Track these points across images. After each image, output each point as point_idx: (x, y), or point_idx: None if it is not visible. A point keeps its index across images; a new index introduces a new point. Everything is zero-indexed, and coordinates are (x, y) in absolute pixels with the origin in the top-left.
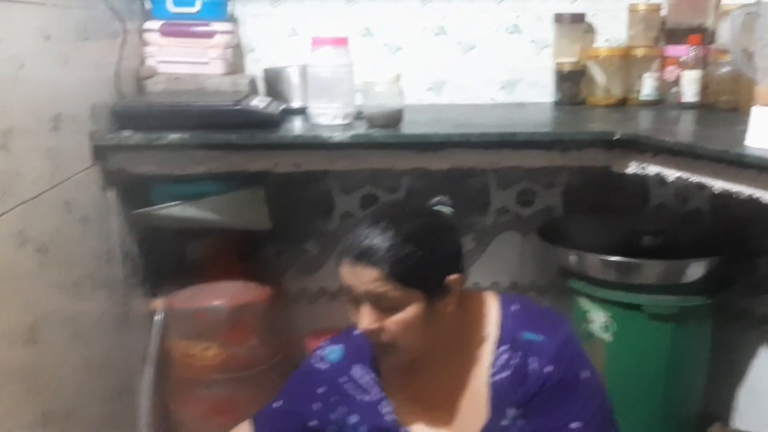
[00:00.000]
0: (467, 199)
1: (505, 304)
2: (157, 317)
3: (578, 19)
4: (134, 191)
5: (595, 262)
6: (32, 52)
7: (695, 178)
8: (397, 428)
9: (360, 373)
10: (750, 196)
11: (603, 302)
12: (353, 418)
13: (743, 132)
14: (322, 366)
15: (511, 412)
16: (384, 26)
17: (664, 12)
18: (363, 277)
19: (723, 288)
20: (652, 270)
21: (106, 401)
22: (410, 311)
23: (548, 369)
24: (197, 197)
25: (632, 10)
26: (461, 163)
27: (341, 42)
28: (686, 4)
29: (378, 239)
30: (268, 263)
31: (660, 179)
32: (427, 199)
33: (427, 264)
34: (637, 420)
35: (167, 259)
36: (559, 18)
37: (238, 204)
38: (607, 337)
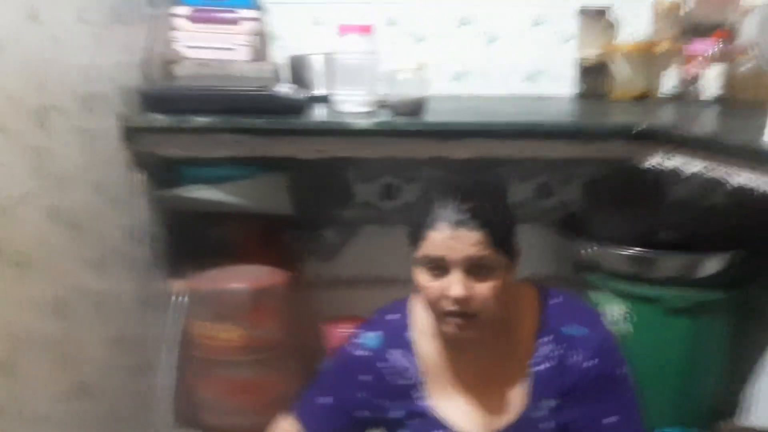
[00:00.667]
0: None
1: (545, 296)
2: (179, 298)
3: (603, 12)
4: (160, 173)
5: (613, 255)
6: (68, 33)
7: (717, 171)
8: (432, 413)
9: (398, 357)
10: None
11: (620, 295)
12: (389, 404)
13: (765, 126)
14: (362, 353)
15: (549, 403)
16: (408, 16)
17: (688, 8)
18: (466, 241)
19: (741, 283)
20: (670, 263)
21: (129, 377)
22: (499, 279)
23: (588, 363)
24: (221, 180)
25: (657, 4)
26: (484, 153)
27: (367, 30)
28: (711, 0)
29: (478, 203)
30: (288, 249)
31: (680, 173)
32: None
33: (513, 230)
34: (650, 413)
35: (190, 241)
36: (584, 11)
37: (261, 188)
38: (623, 330)
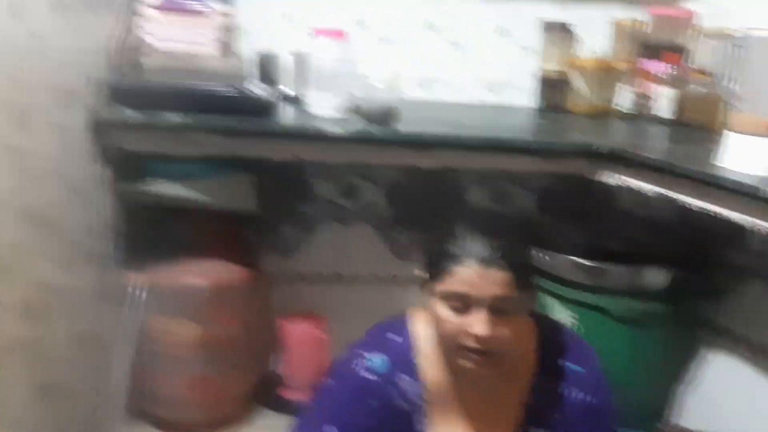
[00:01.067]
0: (444, 195)
1: (544, 328)
2: (139, 293)
3: (565, 28)
4: (125, 167)
5: (565, 264)
6: (44, 24)
7: (670, 194)
8: None
9: (406, 382)
10: (718, 214)
11: (569, 302)
12: (393, 430)
13: (716, 152)
14: (371, 377)
15: (542, 424)
16: (378, 19)
17: (646, 28)
18: (494, 280)
19: (682, 297)
20: (618, 275)
21: (89, 373)
22: (522, 317)
23: (587, 399)
24: (187, 177)
25: (617, 23)
26: (453, 164)
27: (341, 35)
28: (667, 22)
29: (508, 242)
30: (248, 244)
31: (633, 190)
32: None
33: (535, 271)
34: None
35: (150, 236)
36: (547, 26)
37: (227, 186)
38: None
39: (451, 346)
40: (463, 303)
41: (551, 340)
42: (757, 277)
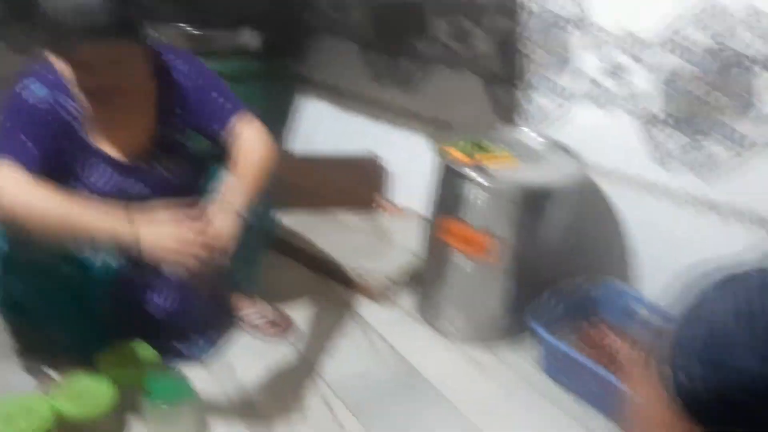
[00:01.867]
0: None
1: (152, 49)
2: None
3: None
4: None
5: (172, 33)
6: None
7: None
8: (93, 145)
9: (64, 100)
10: None
11: None
12: (68, 143)
13: None
14: (39, 103)
15: (173, 117)
16: None
17: None
18: (106, 49)
19: (275, 54)
20: (219, 39)
21: None
22: (136, 56)
23: (198, 82)
24: None
25: None
26: None
27: None
28: None
29: (103, 8)
30: None
31: None
32: None
33: (134, 11)
34: None
35: None
36: None
37: None
38: None
39: (80, 89)
40: (82, 64)
41: (159, 55)
42: (327, 33)
